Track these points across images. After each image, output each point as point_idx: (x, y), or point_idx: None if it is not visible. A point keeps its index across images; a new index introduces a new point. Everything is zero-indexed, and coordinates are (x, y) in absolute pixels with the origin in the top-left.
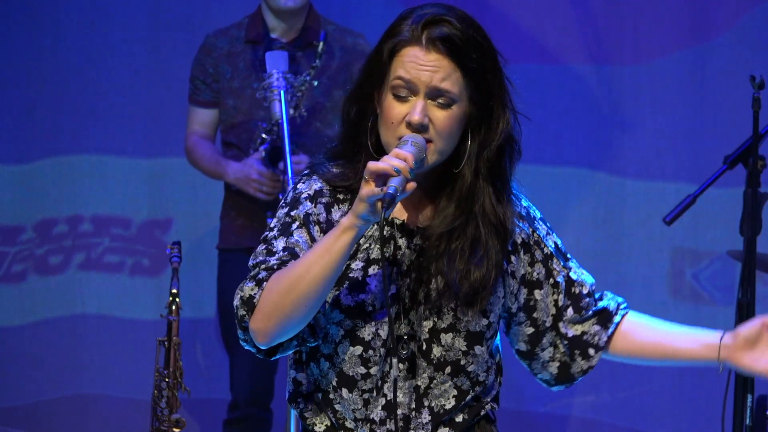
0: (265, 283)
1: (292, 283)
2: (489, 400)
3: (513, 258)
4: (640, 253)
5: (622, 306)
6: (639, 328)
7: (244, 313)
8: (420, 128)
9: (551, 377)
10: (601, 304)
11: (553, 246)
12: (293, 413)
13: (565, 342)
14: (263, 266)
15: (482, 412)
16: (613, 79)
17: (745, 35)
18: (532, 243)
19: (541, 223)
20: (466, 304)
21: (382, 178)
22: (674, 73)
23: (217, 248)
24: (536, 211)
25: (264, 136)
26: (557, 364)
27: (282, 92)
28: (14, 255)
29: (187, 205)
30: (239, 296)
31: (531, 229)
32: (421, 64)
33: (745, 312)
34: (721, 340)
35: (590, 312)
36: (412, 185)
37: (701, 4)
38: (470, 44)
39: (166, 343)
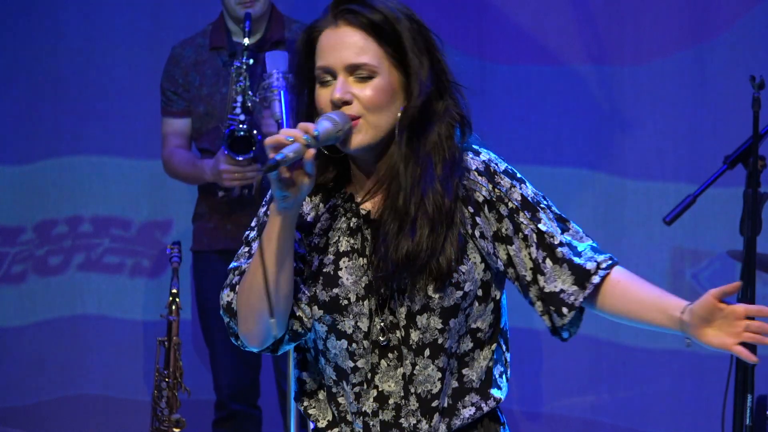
0: (238, 287)
1: (251, 280)
2: (475, 379)
3: (478, 219)
4: (640, 253)
5: (603, 265)
6: (620, 291)
7: (228, 319)
8: (342, 104)
9: (549, 328)
10: (577, 260)
11: (518, 199)
12: (293, 413)
13: (543, 297)
14: (237, 271)
15: (483, 407)
16: (613, 79)
17: (745, 35)
18: (494, 199)
19: (503, 176)
20: (409, 281)
21: (280, 150)
22: (674, 73)
23: (191, 250)
24: (500, 164)
25: (223, 130)
26: (547, 317)
27: (282, 92)
28: (14, 255)
29: (187, 207)
30: (221, 305)
31: (491, 185)
32: (333, 44)
33: None
34: (682, 313)
35: (566, 265)
36: (310, 152)
37: (701, 3)
38: (381, 12)
39: (166, 343)
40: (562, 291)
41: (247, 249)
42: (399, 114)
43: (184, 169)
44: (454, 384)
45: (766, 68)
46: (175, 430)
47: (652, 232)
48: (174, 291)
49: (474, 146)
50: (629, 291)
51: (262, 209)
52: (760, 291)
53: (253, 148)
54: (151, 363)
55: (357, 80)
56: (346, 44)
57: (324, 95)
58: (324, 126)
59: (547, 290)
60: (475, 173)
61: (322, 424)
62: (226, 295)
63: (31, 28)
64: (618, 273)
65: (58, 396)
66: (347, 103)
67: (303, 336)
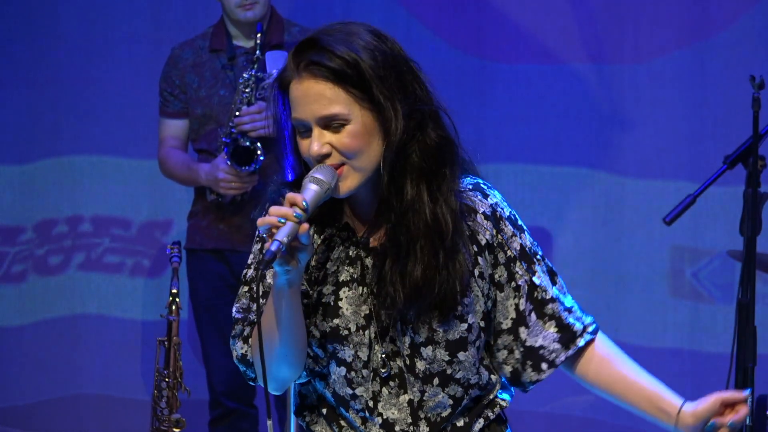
0: (250, 339)
1: (268, 342)
2: (492, 398)
3: (480, 259)
4: (639, 253)
5: (590, 329)
6: (606, 364)
7: (245, 369)
8: (323, 158)
9: (505, 378)
10: (566, 319)
11: (517, 248)
12: (292, 414)
13: (521, 349)
14: (246, 321)
15: (490, 415)
16: (613, 79)
17: (745, 34)
18: (495, 245)
19: (507, 223)
20: (415, 315)
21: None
22: (674, 73)
23: (185, 248)
24: (505, 209)
25: (224, 140)
26: (509, 368)
27: None
28: (14, 255)
29: (188, 207)
30: (234, 356)
31: (495, 230)
32: (300, 97)
33: (745, 312)
34: (680, 410)
35: (553, 322)
36: (304, 227)
37: (701, 3)
38: (341, 58)
39: (166, 343)
40: (542, 347)
41: (246, 289)
42: (382, 152)
43: (179, 171)
44: (470, 405)
45: (766, 68)
46: (175, 430)
47: (652, 231)
48: (174, 291)
49: (483, 185)
50: (615, 367)
51: (256, 246)
52: (760, 290)
53: (256, 161)
54: (151, 363)
55: (331, 130)
56: (312, 97)
57: (305, 145)
58: (311, 192)
59: (528, 344)
60: (482, 216)
61: None
62: (240, 347)
63: (31, 28)
64: (602, 342)
65: (57, 396)
66: (327, 155)
67: (319, 372)
